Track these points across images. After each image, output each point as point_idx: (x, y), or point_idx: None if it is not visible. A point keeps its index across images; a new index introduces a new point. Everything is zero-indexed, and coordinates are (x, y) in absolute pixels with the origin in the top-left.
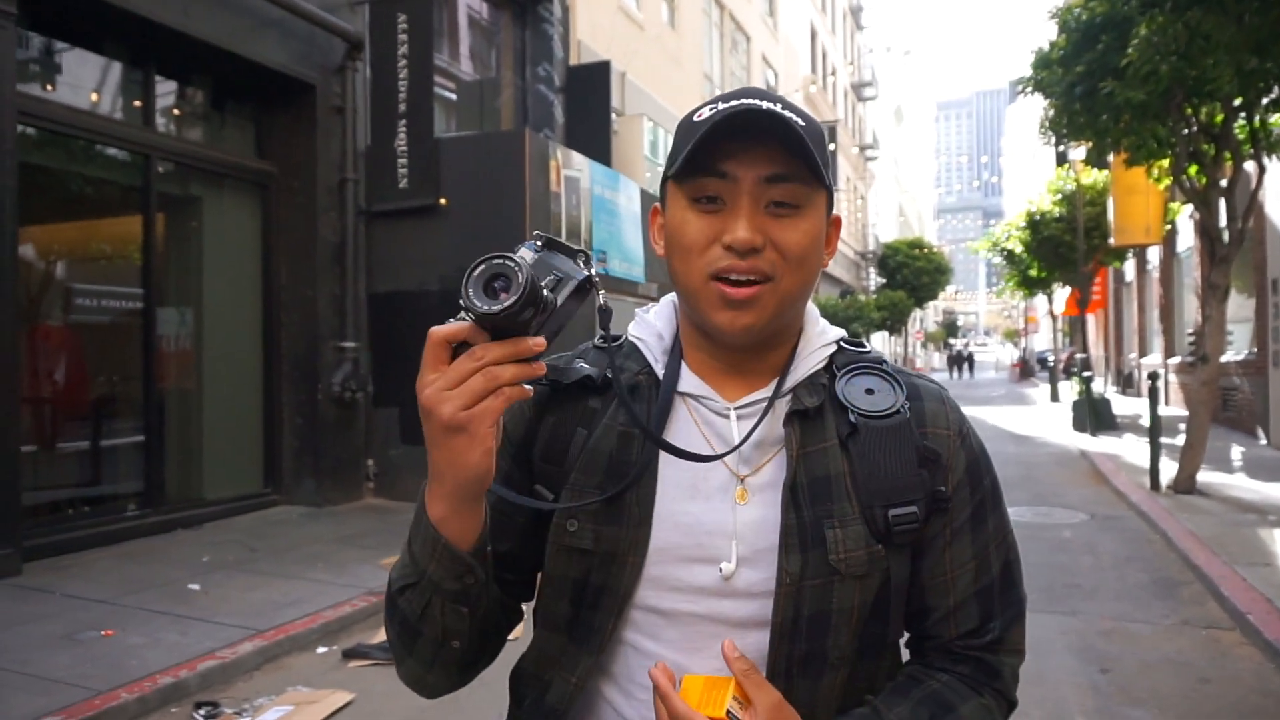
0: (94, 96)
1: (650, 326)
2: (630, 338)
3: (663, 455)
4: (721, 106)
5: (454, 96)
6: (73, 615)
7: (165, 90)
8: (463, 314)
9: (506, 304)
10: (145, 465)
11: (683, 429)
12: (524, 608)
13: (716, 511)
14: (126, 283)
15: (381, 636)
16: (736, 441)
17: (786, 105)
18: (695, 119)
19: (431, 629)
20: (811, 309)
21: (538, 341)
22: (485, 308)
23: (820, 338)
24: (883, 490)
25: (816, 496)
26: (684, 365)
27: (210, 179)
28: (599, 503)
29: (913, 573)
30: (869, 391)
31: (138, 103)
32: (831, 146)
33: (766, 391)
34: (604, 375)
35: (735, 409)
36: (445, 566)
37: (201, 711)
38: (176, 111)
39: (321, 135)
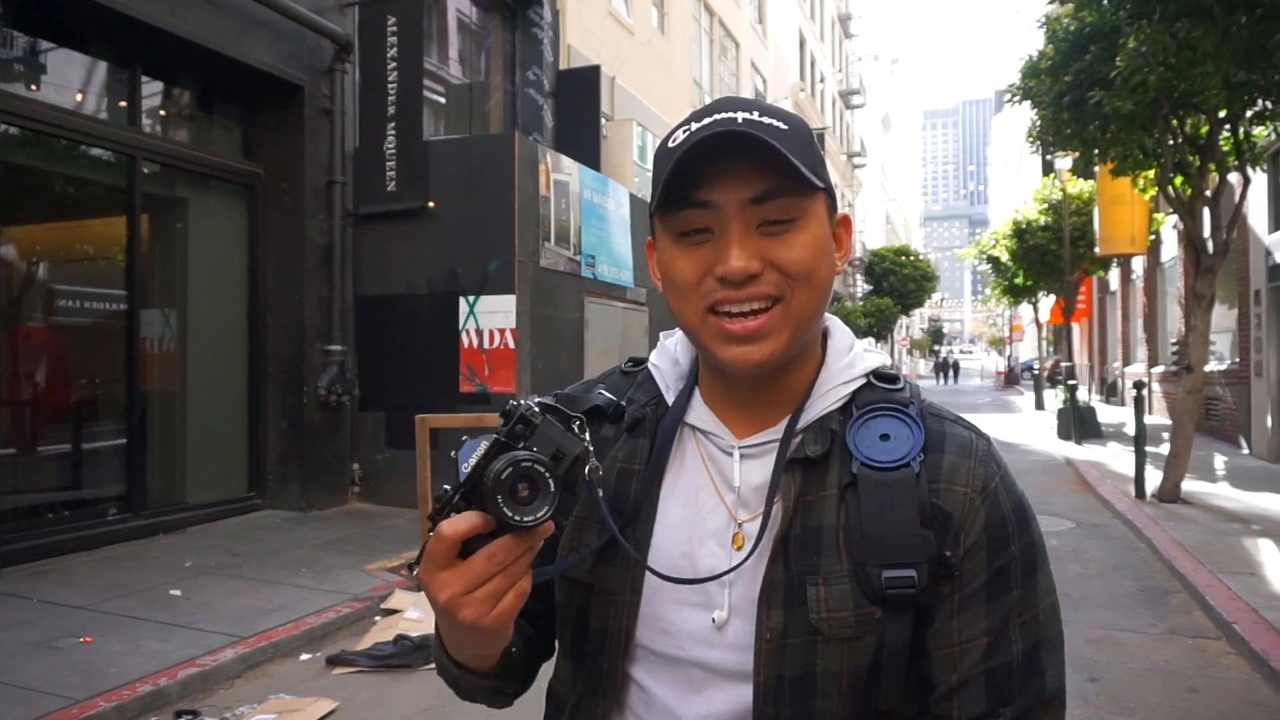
0: (79, 96)
1: (668, 353)
2: (650, 365)
3: (666, 492)
4: (694, 127)
5: (443, 99)
6: (51, 622)
7: (151, 90)
8: (453, 494)
9: (541, 516)
10: (127, 469)
11: (689, 466)
12: None
13: (713, 556)
14: (110, 284)
15: (366, 643)
16: (736, 483)
17: (765, 110)
18: (670, 144)
19: (483, 700)
20: (841, 333)
21: (547, 528)
22: (519, 519)
23: (844, 372)
24: (876, 550)
25: (805, 550)
26: (697, 394)
27: (196, 180)
28: (588, 556)
29: (918, 639)
30: (884, 437)
31: (123, 103)
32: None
33: (776, 431)
34: (615, 404)
35: (740, 448)
36: (475, 687)
37: None
38: (162, 112)
39: (309, 137)
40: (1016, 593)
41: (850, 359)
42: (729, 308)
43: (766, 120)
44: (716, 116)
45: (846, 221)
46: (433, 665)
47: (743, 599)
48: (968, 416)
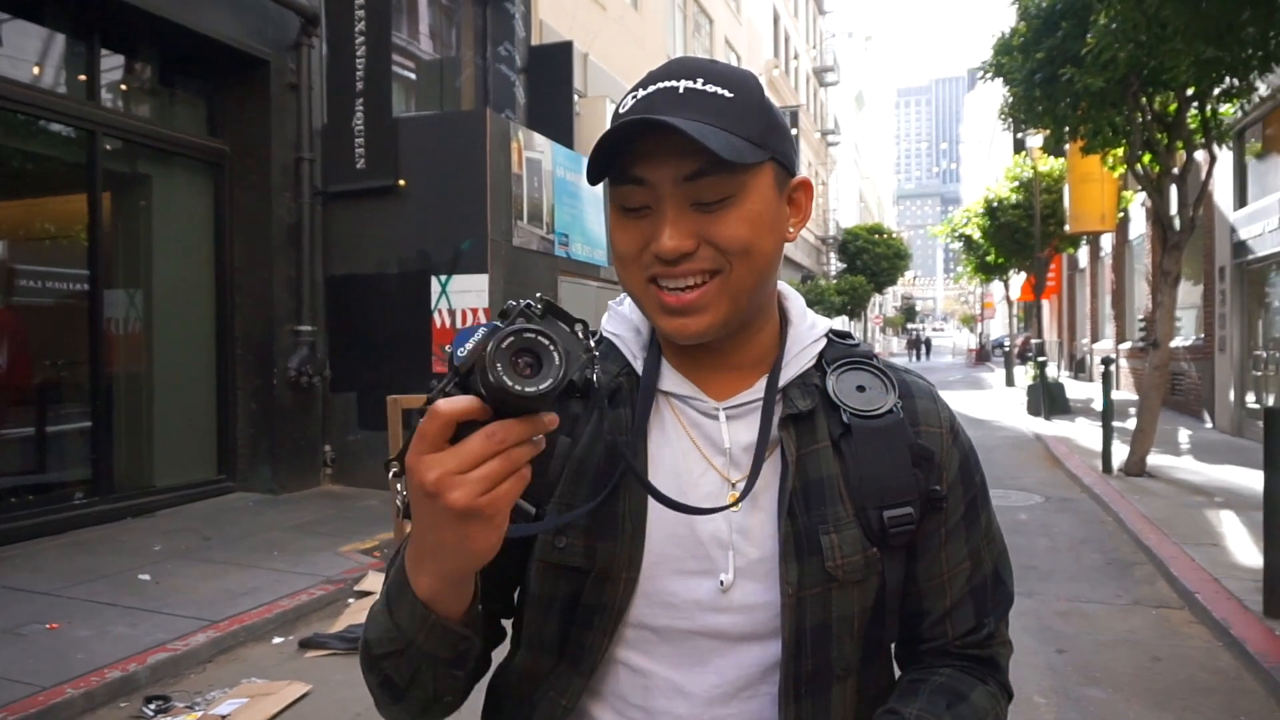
0: (35, 69)
1: (626, 320)
2: (605, 334)
3: (650, 462)
4: (640, 95)
5: (413, 76)
6: (16, 608)
7: (111, 64)
8: (446, 383)
9: (546, 386)
10: (93, 452)
11: (670, 433)
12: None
13: (710, 521)
14: (72, 264)
15: (339, 626)
16: (726, 444)
17: (712, 76)
18: (620, 111)
19: (422, 692)
20: (795, 297)
21: (552, 418)
22: (521, 388)
23: (810, 331)
24: (876, 492)
25: (810, 501)
26: (664, 361)
27: (160, 156)
28: (583, 514)
29: (908, 576)
30: (860, 389)
31: (82, 76)
32: (794, 131)
33: (756, 391)
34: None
35: (725, 409)
36: (437, 639)
37: (151, 706)
38: (123, 86)
39: (276, 113)
40: (983, 519)
41: (811, 320)
42: (665, 282)
43: (710, 89)
44: (661, 85)
45: (806, 185)
46: None
47: (746, 560)
48: (940, 394)
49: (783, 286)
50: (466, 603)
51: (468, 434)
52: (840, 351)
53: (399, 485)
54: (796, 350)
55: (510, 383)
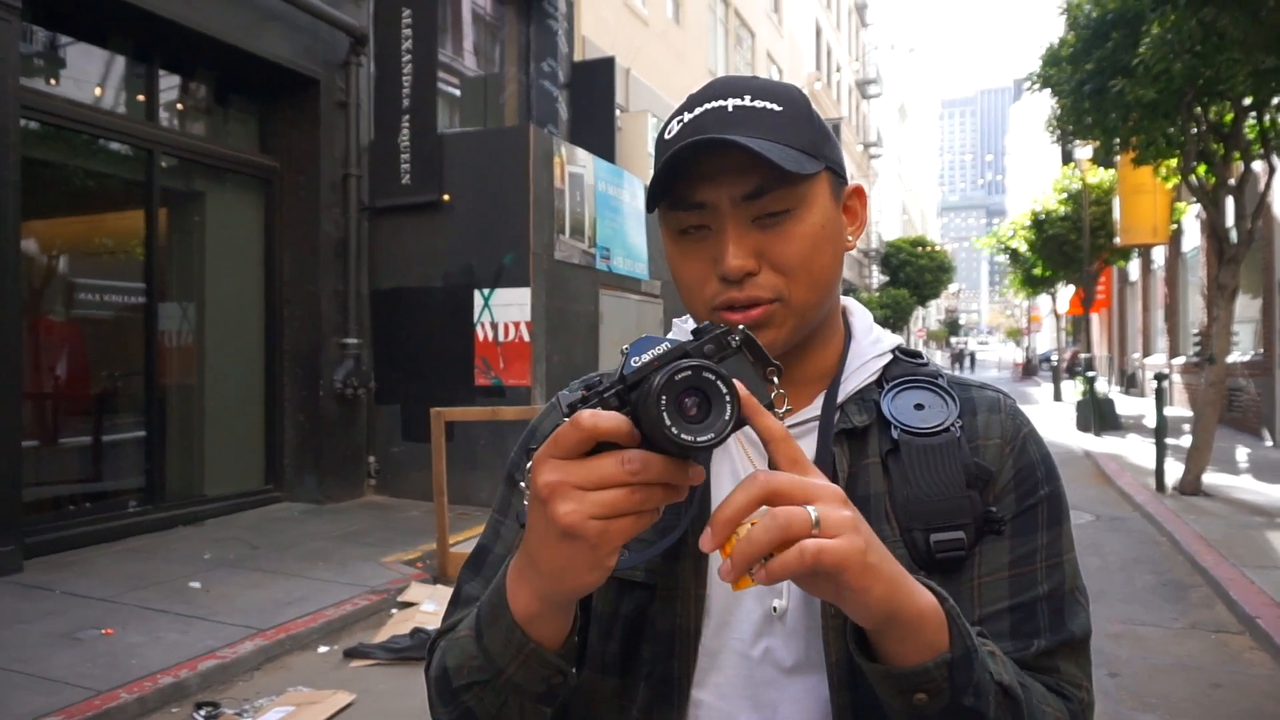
0: (97, 90)
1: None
2: None
3: (711, 481)
4: (686, 118)
5: (458, 92)
6: (73, 613)
7: (168, 84)
8: (608, 389)
9: (704, 440)
10: (146, 461)
11: (731, 452)
12: None
13: None
14: (129, 277)
15: (383, 636)
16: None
17: (759, 92)
18: (665, 136)
19: (514, 709)
20: (862, 313)
21: (698, 472)
22: (678, 434)
23: (874, 347)
24: (923, 513)
25: None
26: None
27: (213, 174)
28: (667, 544)
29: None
30: (919, 407)
31: (141, 97)
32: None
33: (815, 408)
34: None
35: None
36: (530, 670)
37: (202, 712)
38: (180, 106)
39: (325, 130)
40: (1043, 535)
41: (875, 335)
42: (734, 306)
43: (759, 104)
44: (709, 106)
45: (860, 192)
46: None
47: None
48: None
49: (848, 301)
50: (565, 633)
51: (608, 451)
52: (906, 370)
53: (527, 492)
54: (856, 365)
55: (668, 422)
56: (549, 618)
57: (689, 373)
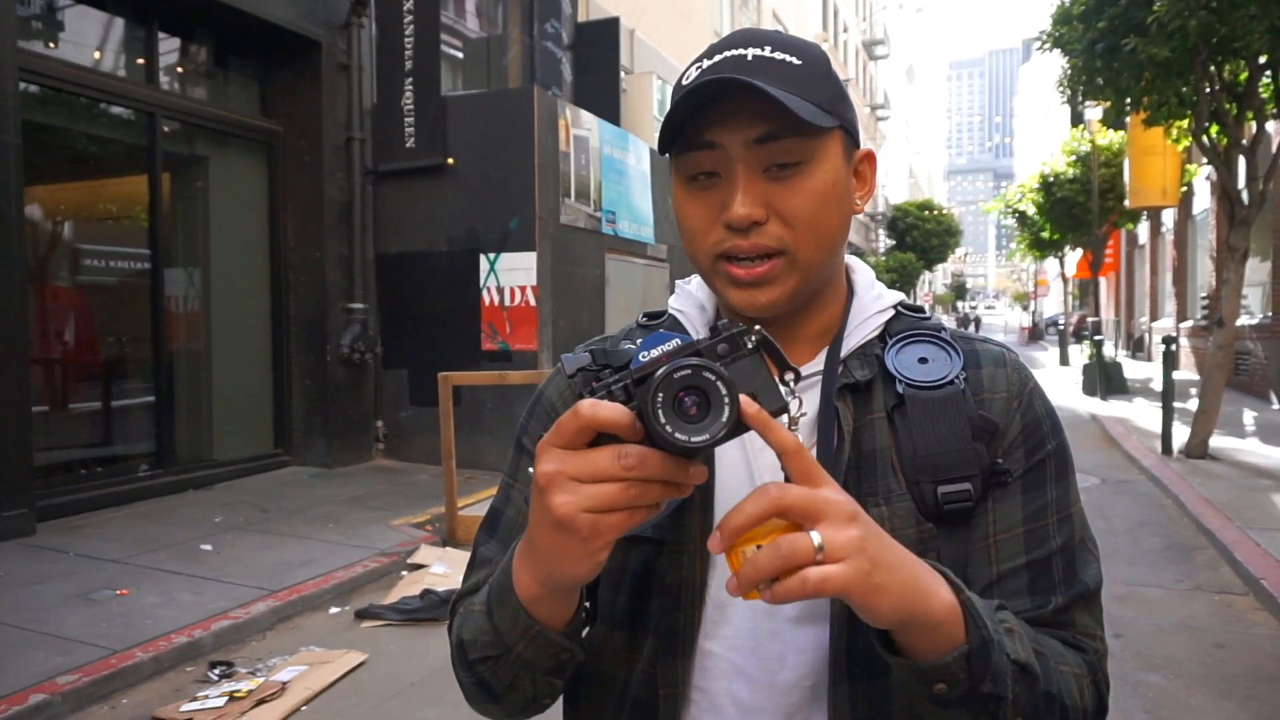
0: (96, 54)
1: (691, 297)
2: (671, 311)
3: (716, 468)
4: (705, 65)
5: (460, 54)
6: (87, 575)
7: (169, 47)
8: (592, 384)
9: (699, 442)
10: (156, 426)
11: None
12: None
13: None
14: (133, 243)
15: (393, 597)
16: (792, 417)
17: (779, 44)
18: (684, 82)
19: (520, 696)
20: (864, 270)
21: (699, 472)
22: (672, 433)
23: (876, 303)
24: (930, 466)
25: (863, 473)
26: None
27: (216, 138)
28: (673, 507)
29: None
30: (922, 361)
31: (141, 60)
32: None
33: (817, 364)
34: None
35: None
36: (538, 649)
37: (216, 671)
38: (180, 69)
39: (327, 93)
40: (1052, 489)
41: (878, 291)
42: (738, 255)
43: (779, 56)
44: (728, 54)
45: (870, 157)
46: None
47: None
48: None
49: (851, 259)
50: (568, 615)
51: (610, 443)
52: (909, 324)
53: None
54: (859, 321)
55: (664, 420)
56: (551, 601)
57: (688, 371)
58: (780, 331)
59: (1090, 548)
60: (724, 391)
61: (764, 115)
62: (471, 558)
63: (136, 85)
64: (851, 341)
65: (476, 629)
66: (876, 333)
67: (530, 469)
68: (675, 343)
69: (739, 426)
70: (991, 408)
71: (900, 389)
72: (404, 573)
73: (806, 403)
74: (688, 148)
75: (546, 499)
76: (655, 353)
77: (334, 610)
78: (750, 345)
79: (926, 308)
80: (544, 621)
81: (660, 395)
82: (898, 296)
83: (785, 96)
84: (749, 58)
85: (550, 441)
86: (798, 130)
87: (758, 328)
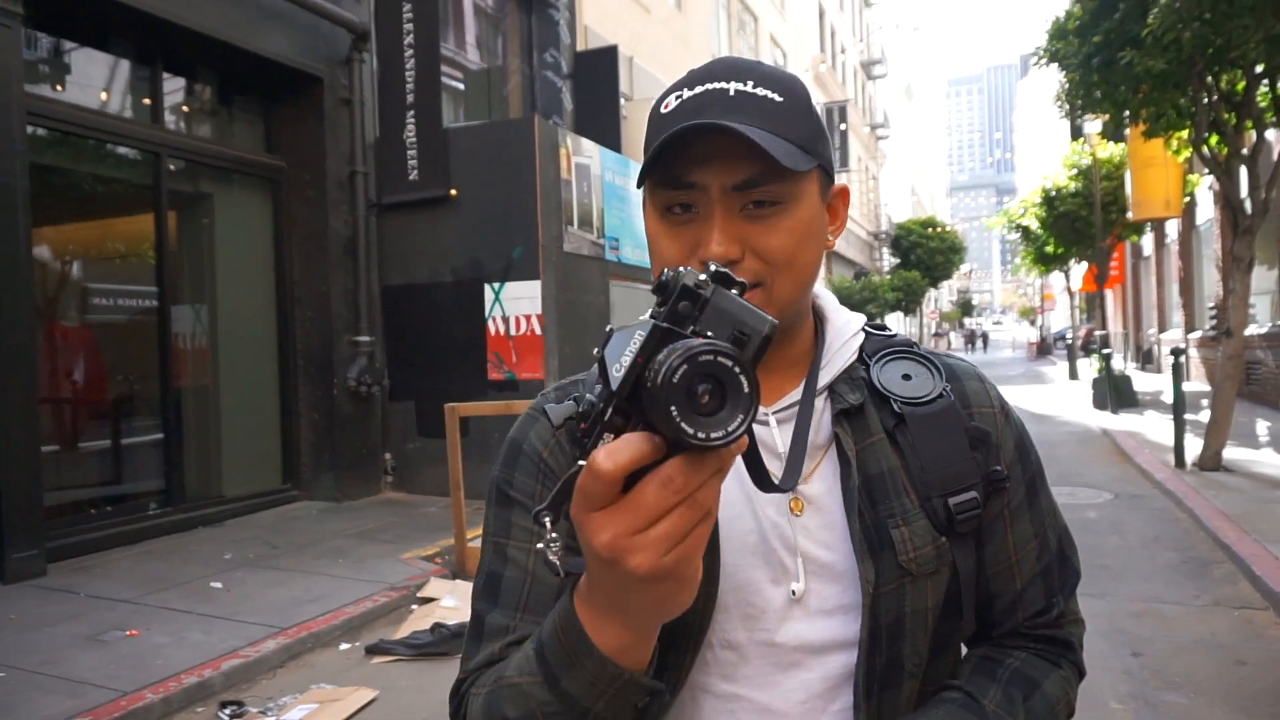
0: (102, 95)
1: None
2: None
3: None
4: (686, 95)
5: (461, 85)
6: (97, 615)
7: (173, 87)
8: (603, 410)
9: (734, 431)
10: (165, 463)
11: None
12: None
13: (776, 527)
14: (141, 281)
15: (403, 632)
16: (780, 450)
17: (761, 79)
18: (662, 110)
19: None
20: (827, 294)
21: (740, 444)
22: (705, 437)
23: (848, 326)
24: (939, 480)
25: (875, 496)
26: None
27: (220, 175)
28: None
29: (977, 563)
30: (906, 378)
31: (146, 100)
32: (842, 126)
33: (796, 394)
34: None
35: (774, 414)
36: (622, 700)
37: (227, 711)
38: (185, 108)
39: (330, 128)
40: (1043, 497)
41: (846, 315)
42: None
43: (761, 92)
44: (710, 86)
45: (844, 193)
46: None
47: (817, 564)
48: (1001, 389)
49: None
50: (652, 649)
51: (641, 473)
52: (879, 343)
53: (552, 540)
54: (837, 345)
55: (690, 429)
56: (643, 644)
57: (687, 365)
58: (763, 364)
59: (1067, 531)
60: (732, 364)
61: (745, 159)
62: (475, 627)
63: (141, 125)
64: (833, 367)
65: (531, 701)
66: (855, 355)
67: (524, 523)
68: (639, 336)
69: (757, 402)
70: (982, 420)
71: (897, 408)
72: (414, 606)
73: (789, 433)
74: (665, 184)
75: (623, 566)
76: (626, 359)
77: (344, 646)
78: (707, 288)
79: (888, 325)
80: (634, 667)
81: (673, 406)
82: (862, 318)
83: (769, 141)
84: (731, 93)
85: (584, 509)
86: (778, 175)
87: (712, 265)
